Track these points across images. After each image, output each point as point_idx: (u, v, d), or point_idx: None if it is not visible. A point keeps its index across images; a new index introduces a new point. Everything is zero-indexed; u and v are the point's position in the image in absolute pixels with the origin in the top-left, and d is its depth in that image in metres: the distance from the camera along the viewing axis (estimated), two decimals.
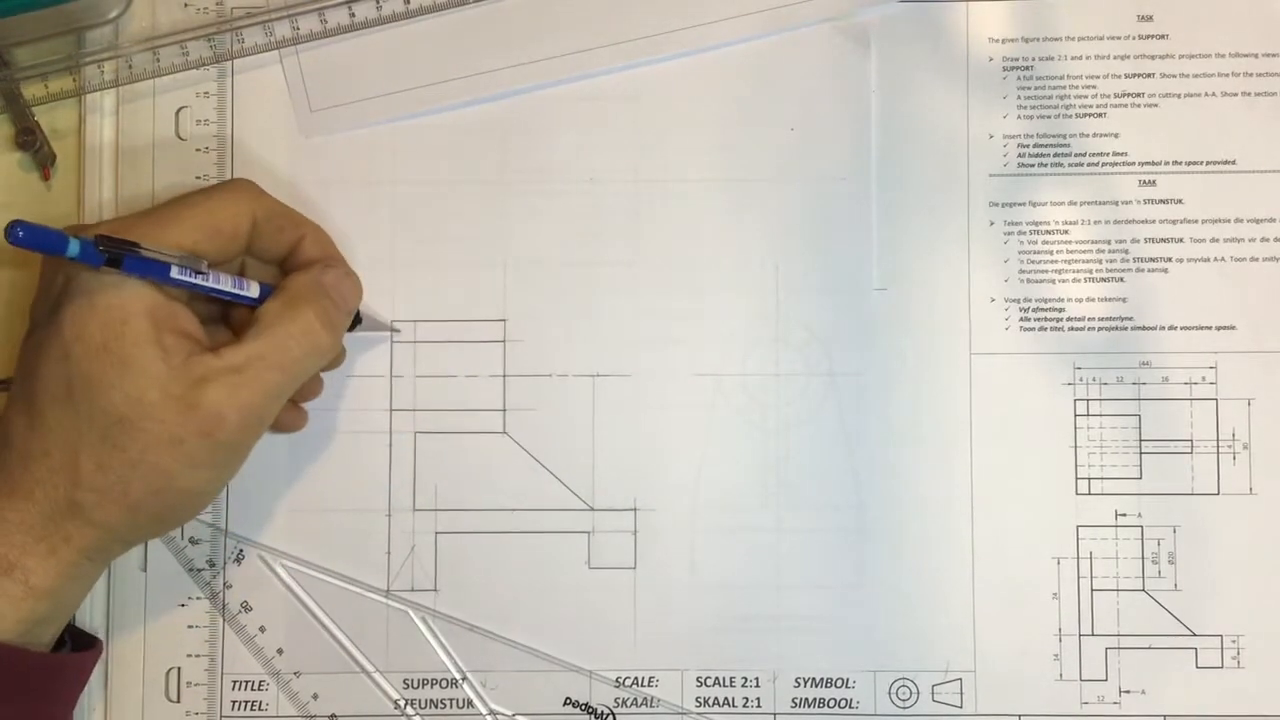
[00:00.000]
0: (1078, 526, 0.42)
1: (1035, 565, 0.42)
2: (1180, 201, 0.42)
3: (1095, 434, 0.42)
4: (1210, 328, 0.42)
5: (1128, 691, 0.41)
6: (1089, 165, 0.42)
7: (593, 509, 0.42)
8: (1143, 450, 0.42)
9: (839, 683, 0.42)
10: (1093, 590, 0.42)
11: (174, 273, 0.35)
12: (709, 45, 0.42)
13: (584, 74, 0.43)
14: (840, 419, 0.42)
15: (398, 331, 0.42)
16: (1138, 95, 0.43)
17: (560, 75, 0.43)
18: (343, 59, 0.43)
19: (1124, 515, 0.42)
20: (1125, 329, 0.42)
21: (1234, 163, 0.42)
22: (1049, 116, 0.43)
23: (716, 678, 0.42)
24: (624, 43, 0.42)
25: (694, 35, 0.42)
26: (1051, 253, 0.42)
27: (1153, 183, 0.42)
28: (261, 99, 0.43)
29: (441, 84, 0.42)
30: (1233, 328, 0.42)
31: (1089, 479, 0.42)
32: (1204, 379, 0.42)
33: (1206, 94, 0.42)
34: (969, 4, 0.43)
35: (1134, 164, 0.42)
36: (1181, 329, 0.42)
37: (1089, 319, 0.42)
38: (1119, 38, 0.43)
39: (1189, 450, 0.42)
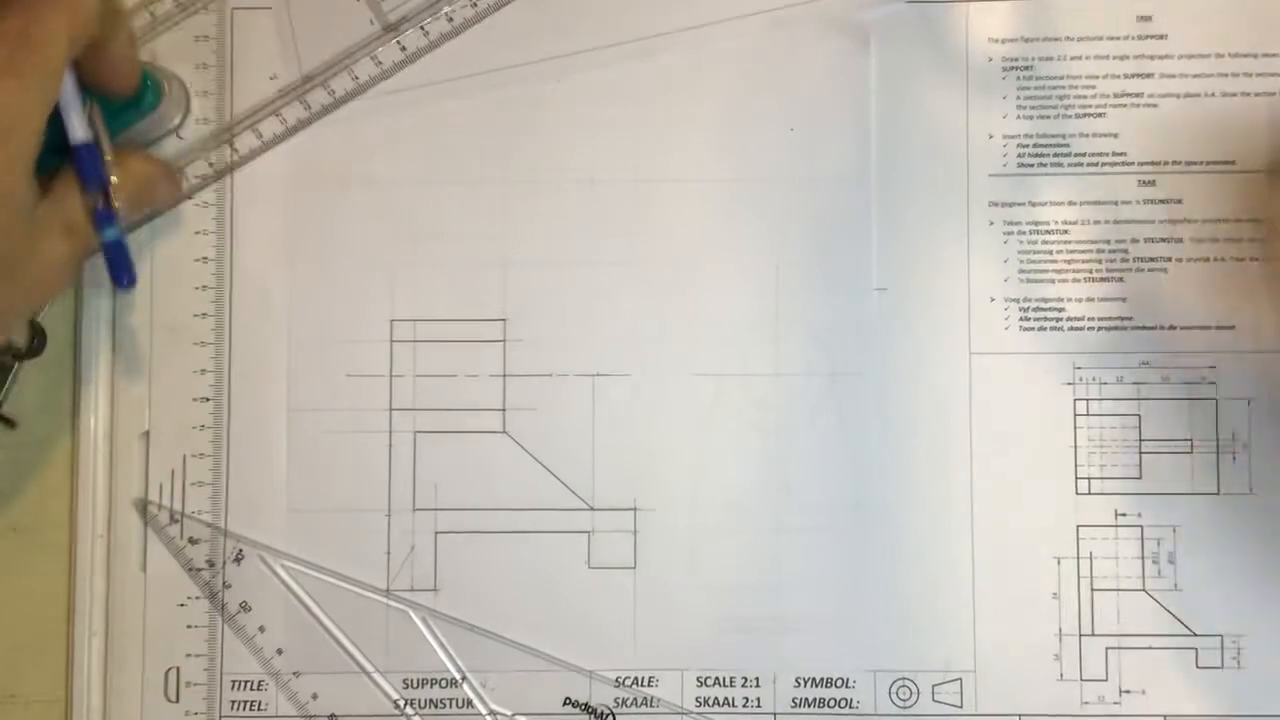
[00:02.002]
0: (1078, 526, 0.42)
1: (1035, 565, 0.42)
2: (1180, 201, 0.42)
3: (1095, 434, 0.42)
4: (1210, 327, 0.42)
5: (1128, 691, 0.41)
6: (1089, 165, 0.42)
7: (592, 509, 0.42)
8: (1142, 450, 0.42)
9: (839, 683, 0.42)
10: (1093, 590, 0.42)
11: None
12: (709, 45, 0.42)
13: (584, 74, 0.43)
14: (840, 419, 0.42)
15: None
16: (1137, 95, 0.43)
17: (560, 75, 0.43)
18: None
19: (1124, 515, 0.42)
20: (1125, 329, 0.42)
21: (1234, 163, 0.42)
22: (1049, 116, 0.43)
23: (716, 678, 0.42)
24: (624, 43, 0.42)
25: (694, 35, 0.42)
26: (1051, 252, 0.42)
27: (1152, 183, 0.42)
28: (261, 98, 0.43)
29: (441, 83, 0.43)
30: (1232, 328, 0.42)
31: (1089, 479, 0.42)
32: (1204, 379, 0.42)
33: (1206, 94, 0.42)
34: (969, 4, 0.43)
35: (1133, 164, 0.42)
36: (1181, 329, 0.42)
37: (1089, 319, 0.42)
38: (1118, 38, 0.43)
39: (1189, 450, 0.42)
